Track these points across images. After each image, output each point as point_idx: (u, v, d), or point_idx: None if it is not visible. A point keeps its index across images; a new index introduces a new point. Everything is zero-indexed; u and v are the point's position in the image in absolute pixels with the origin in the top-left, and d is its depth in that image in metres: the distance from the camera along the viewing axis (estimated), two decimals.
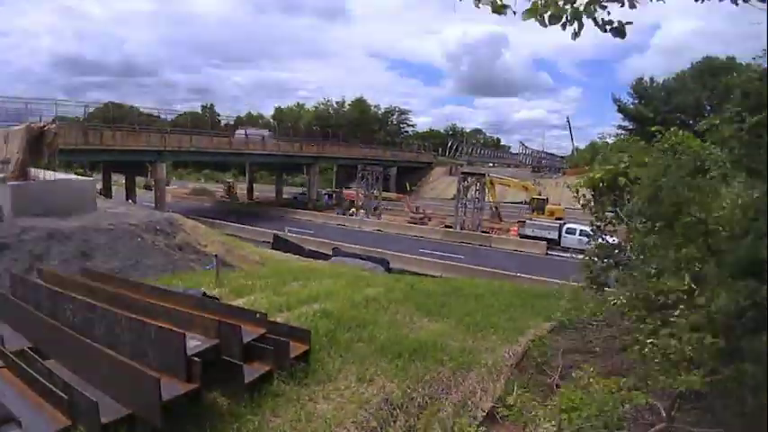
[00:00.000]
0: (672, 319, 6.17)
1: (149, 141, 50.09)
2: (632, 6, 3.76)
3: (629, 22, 3.78)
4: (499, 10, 3.72)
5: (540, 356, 10.36)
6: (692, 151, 8.97)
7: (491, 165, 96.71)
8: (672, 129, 10.30)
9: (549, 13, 3.68)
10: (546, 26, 3.73)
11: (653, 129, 10.45)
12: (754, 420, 5.33)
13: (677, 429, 5.70)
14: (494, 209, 59.21)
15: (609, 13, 3.77)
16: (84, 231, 19.20)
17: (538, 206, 55.46)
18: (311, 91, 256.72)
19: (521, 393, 7.33)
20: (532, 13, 3.70)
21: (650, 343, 7.04)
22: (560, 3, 3.69)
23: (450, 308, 13.35)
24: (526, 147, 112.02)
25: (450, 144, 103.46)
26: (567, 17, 3.71)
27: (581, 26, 3.79)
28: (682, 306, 6.46)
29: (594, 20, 3.78)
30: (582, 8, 3.74)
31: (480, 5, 3.71)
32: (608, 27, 3.79)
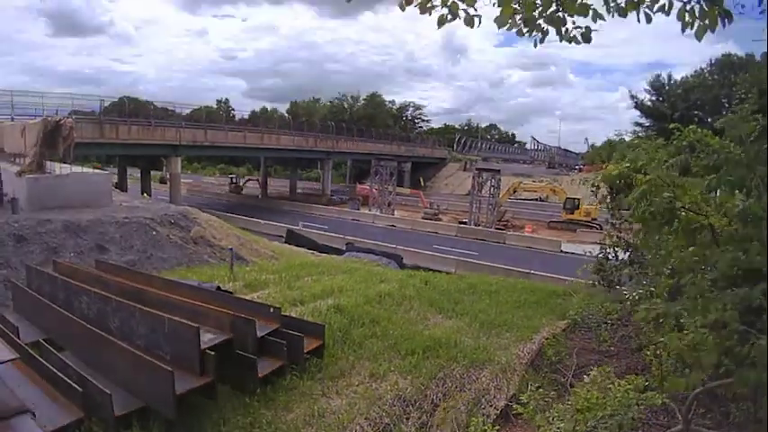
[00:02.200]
0: (682, 320, 6.10)
1: (164, 135, 50.11)
2: (596, 19, 3.77)
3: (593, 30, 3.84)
4: (470, 23, 3.73)
5: (554, 355, 10.31)
6: (711, 149, 8.87)
7: (504, 160, 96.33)
8: (690, 126, 10.18)
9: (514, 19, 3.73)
10: (523, 35, 3.78)
11: (671, 126, 10.34)
12: (764, 424, 5.26)
13: None
14: (498, 206, 57.40)
15: (574, 22, 3.78)
16: (99, 224, 19.30)
17: (572, 206, 54.08)
18: None
19: (534, 392, 7.27)
20: (505, 19, 3.71)
21: (664, 344, 6.99)
22: (515, 6, 3.72)
23: (464, 305, 13.31)
24: (538, 142, 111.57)
25: (458, 138, 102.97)
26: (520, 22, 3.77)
27: (544, 35, 3.82)
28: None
29: (558, 31, 3.80)
30: (542, 19, 3.76)
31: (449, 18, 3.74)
32: (571, 37, 3.84)
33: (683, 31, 3.63)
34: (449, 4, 3.67)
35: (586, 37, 3.81)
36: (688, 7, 3.57)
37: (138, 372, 7.63)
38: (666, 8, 3.64)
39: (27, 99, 39.17)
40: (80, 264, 15.37)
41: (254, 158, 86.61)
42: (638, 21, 3.72)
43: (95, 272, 13.42)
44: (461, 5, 3.66)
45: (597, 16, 3.74)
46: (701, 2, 3.55)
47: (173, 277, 14.02)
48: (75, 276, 12.08)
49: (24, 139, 24.19)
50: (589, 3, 3.72)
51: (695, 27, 3.61)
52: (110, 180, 28.77)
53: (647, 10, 3.70)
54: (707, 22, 3.58)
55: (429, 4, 3.72)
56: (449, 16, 3.71)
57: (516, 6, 3.72)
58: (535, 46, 3.90)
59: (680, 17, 3.59)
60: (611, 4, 3.72)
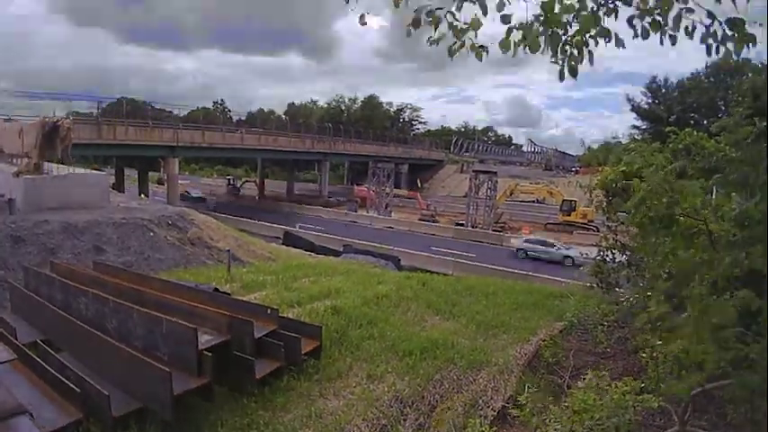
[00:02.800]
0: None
1: (162, 137, 50.32)
2: (619, 45, 3.75)
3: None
4: (479, 55, 3.69)
5: (551, 357, 10.33)
6: (707, 152, 8.92)
7: (501, 162, 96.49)
8: (686, 129, 10.24)
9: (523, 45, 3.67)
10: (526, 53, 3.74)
11: (667, 129, 10.39)
12: (762, 426, 5.30)
13: None
14: (495, 208, 57.38)
15: (597, 44, 3.75)
16: (96, 225, 19.26)
17: (569, 208, 54.02)
18: None
19: (532, 393, 7.30)
20: (508, 44, 3.67)
21: (661, 347, 7.01)
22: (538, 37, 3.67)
23: (462, 306, 13.32)
24: (535, 144, 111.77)
25: (455, 140, 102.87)
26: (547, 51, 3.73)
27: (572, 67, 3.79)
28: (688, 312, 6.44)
29: (580, 53, 3.78)
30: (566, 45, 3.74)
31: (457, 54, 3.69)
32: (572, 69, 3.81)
33: (709, 54, 3.60)
34: (458, 32, 3.60)
35: (573, 70, 3.78)
36: (711, 30, 3.56)
37: (135, 373, 7.64)
38: (690, 30, 3.62)
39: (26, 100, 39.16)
40: (77, 265, 15.36)
41: (251, 160, 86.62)
42: (661, 44, 3.68)
43: (93, 273, 13.42)
44: (469, 33, 3.60)
45: (619, 43, 3.70)
46: (723, 25, 3.53)
47: (170, 278, 14.02)
48: (73, 277, 12.08)
49: (22, 140, 24.18)
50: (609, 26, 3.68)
51: (722, 51, 3.59)
52: (107, 181, 28.75)
53: (670, 32, 3.67)
54: (729, 45, 3.56)
55: (437, 35, 3.65)
56: (457, 44, 3.65)
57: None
58: (561, 79, 3.84)
59: (703, 41, 3.57)
60: (637, 27, 3.68)
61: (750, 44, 3.53)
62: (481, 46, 3.67)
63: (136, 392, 7.50)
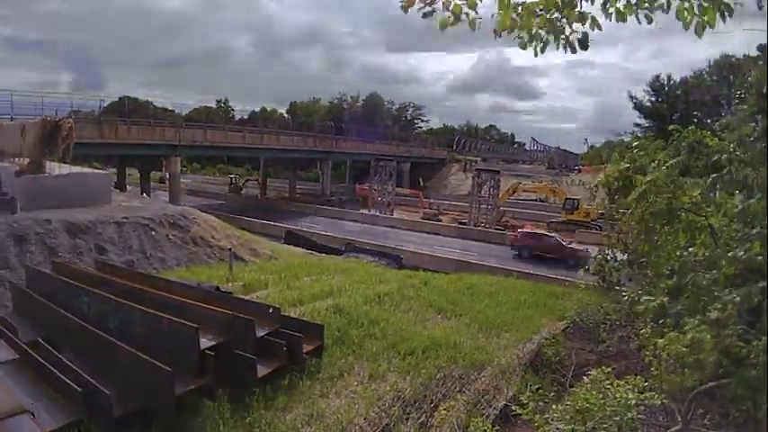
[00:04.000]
0: (681, 321, 6.11)
1: (164, 135, 50.21)
2: (594, 28, 3.74)
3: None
4: (473, 25, 3.68)
5: (553, 355, 10.32)
6: (711, 150, 8.88)
7: (503, 161, 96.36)
8: (690, 127, 10.19)
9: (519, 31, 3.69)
10: (525, 48, 3.75)
11: (670, 127, 10.35)
12: (764, 425, 5.27)
13: None
14: (497, 207, 57.31)
15: (573, 31, 3.74)
16: (98, 224, 19.21)
17: (571, 207, 54.05)
18: None
19: (534, 392, 7.27)
20: (503, 26, 3.67)
21: (663, 345, 6.99)
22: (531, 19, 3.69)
23: (464, 305, 13.31)
24: (538, 142, 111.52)
25: (457, 139, 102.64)
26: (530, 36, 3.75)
27: (545, 44, 3.80)
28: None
29: (557, 38, 3.77)
30: (544, 28, 3.74)
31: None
32: (569, 45, 3.81)
33: (686, 29, 3.59)
34: (451, 7, 3.60)
35: (584, 43, 3.79)
36: (686, 5, 3.54)
37: (137, 372, 7.62)
38: (666, 7, 3.60)
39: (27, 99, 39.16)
40: (79, 264, 15.35)
41: (253, 159, 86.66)
42: (639, 22, 3.68)
43: (94, 272, 13.41)
44: (465, 9, 3.60)
45: (595, 25, 3.71)
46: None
47: (172, 277, 14.00)
48: (74, 277, 12.06)
49: (23, 139, 24.14)
50: (587, 10, 3.68)
51: (694, 24, 3.57)
52: (109, 180, 28.71)
53: (645, 11, 3.65)
54: (706, 18, 3.54)
55: (431, 7, 3.65)
56: (451, 19, 3.65)
57: (515, 17, 3.69)
58: (535, 55, 3.88)
59: (679, 15, 3.56)
60: (610, 10, 3.67)
61: (727, 14, 3.51)
62: (477, 18, 3.65)
63: (137, 392, 7.48)
